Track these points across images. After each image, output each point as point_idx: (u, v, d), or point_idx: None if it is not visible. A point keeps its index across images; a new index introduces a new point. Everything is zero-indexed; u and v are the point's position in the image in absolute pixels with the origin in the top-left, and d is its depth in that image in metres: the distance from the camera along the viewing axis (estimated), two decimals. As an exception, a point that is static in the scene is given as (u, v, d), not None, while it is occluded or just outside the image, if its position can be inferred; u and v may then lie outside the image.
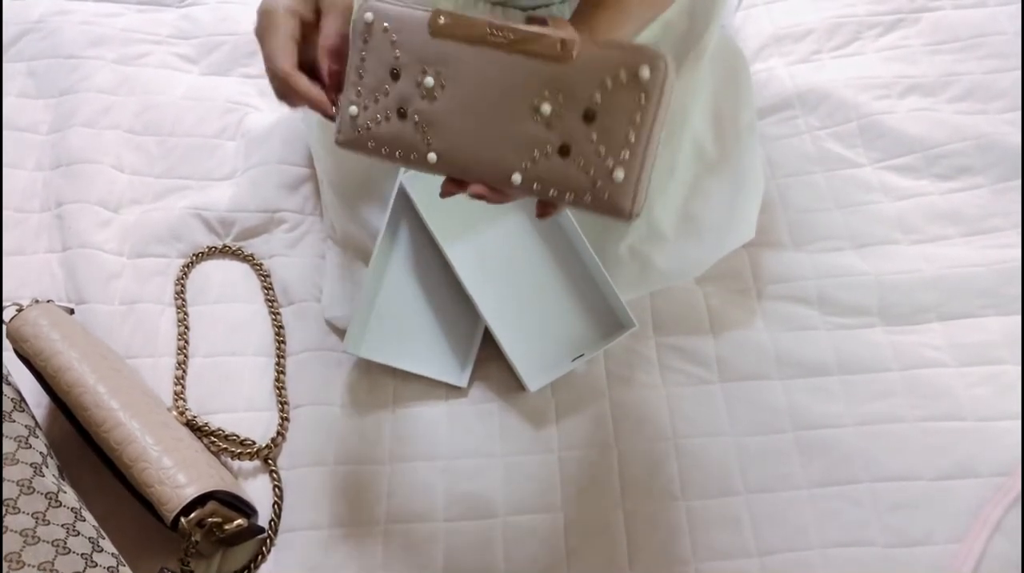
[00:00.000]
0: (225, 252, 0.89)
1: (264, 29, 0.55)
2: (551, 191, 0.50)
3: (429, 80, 0.51)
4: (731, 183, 0.81)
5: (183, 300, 0.86)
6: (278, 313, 0.86)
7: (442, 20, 0.50)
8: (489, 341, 0.80)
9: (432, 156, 0.52)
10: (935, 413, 0.76)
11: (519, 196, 0.52)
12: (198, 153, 0.96)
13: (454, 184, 0.52)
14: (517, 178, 0.50)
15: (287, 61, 0.54)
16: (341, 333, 0.82)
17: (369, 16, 0.51)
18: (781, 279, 0.85)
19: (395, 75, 0.51)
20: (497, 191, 0.51)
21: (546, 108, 0.49)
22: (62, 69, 1.02)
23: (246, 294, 0.87)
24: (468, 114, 0.51)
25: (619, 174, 0.48)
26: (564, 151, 0.49)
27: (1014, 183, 0.89)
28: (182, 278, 0.87)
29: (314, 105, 0.54)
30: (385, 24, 0.51)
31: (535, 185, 0.50)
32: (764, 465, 0.75)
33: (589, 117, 0.48)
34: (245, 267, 0.89)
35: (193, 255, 0.89)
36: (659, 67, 0.46)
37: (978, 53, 0.99)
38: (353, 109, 0.52)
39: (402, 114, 0.51)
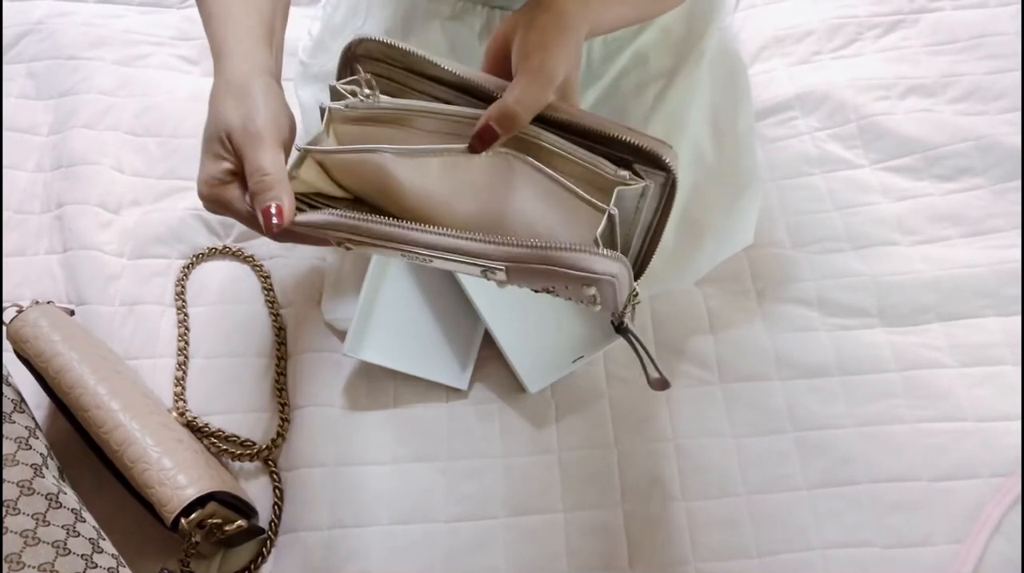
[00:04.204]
0: (225, 253, 0.90)
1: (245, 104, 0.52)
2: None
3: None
4: (730, 188, 0.81)
5: (183, 301, 0.86)
6: (278, 314, 0.86)
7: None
8: (489, 341, 0.81)
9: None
10: (935, 414, 0.76)
11: None
12: (199, 154, 0.96)
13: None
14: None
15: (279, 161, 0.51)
16: (341, 334, 0.82)
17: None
18: (781, 280, 0.85)
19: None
20: None
21: (502, 286, 0.50)
22: (62, 70, 1.02)
23: (246, 295, 0.87)
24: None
25: (596, 308, 0.49)
26: (537, 292, 0.51)
27: (1014, 184, 0.89)
28: (182, 279, 0.88)
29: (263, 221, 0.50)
30: None
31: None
32: (764, 466, 0.75)
33: (549, 291, 0.49)
34: (245, 268, 0.89)
35: (193, 256, 0.89)
36: (604, 287, 0.46)
37: (978, 54, 0.99)
38: None
39: None
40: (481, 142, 0.48)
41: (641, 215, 0.49)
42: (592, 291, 0.46)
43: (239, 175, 0.53)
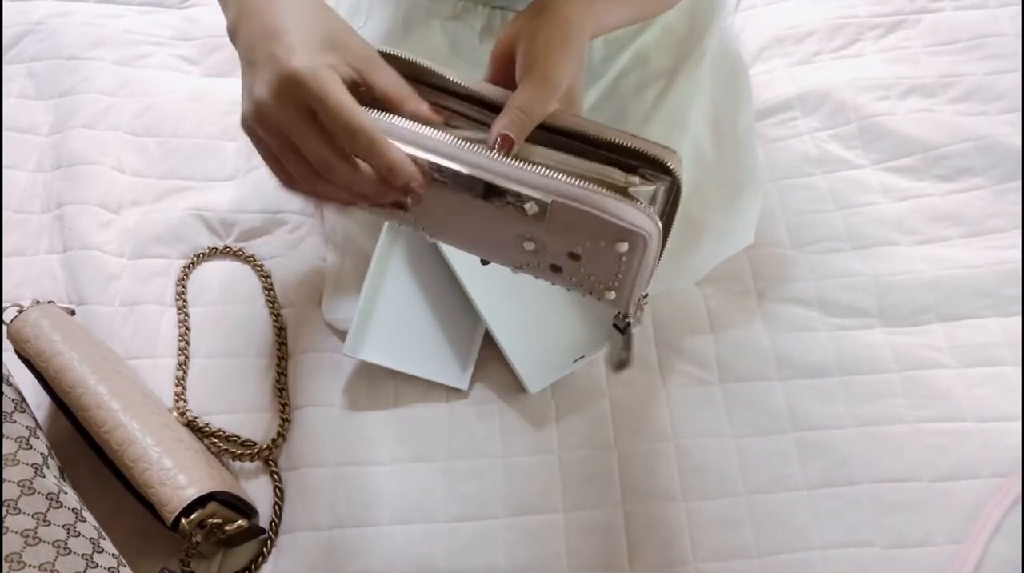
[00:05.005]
0: (226, 253, 0.90)
1: (316, 89, 0.46)
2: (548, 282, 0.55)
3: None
4: (730, 188, 0.81)
5: (184, 301, 0.86)
6: (279, 314, 0.86)
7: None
8: (490, 341, 0.81)
9: (427, 235, 0.56)
10: (935, 414, 0.76)
11: None
12: (199, 154, 0.96)
13: None
14: (509, 271, 0.54)
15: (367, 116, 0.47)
16: (342, 334, 0.82)
17: None
18: (781, 280, 0.85)
19: None
20: None
21: (529, 246, 0.51)
22: (62, 70, 1.02)
23: (247, 295, 0.87)
24: (453, 229, 0.54)
25: (610, 295, 0.52)
26: (555, 269, 0.52)
27: (1014, 184, 0.89)
28: (183, 279, 0.88)
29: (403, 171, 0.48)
30: None
31: (534, 275, 0.54)
32: (764, 466, 0.75)
33: (574, 257, 0.50)
34: (246, 268, 0.89)
35: (194, 256, 0.89)
36: (638, 244, 0.47)
37: (979, 54, 0.99)
38: None
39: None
40: (501, 151, 0.49)
41: None
42: (624, 248, 0.47)
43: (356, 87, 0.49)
